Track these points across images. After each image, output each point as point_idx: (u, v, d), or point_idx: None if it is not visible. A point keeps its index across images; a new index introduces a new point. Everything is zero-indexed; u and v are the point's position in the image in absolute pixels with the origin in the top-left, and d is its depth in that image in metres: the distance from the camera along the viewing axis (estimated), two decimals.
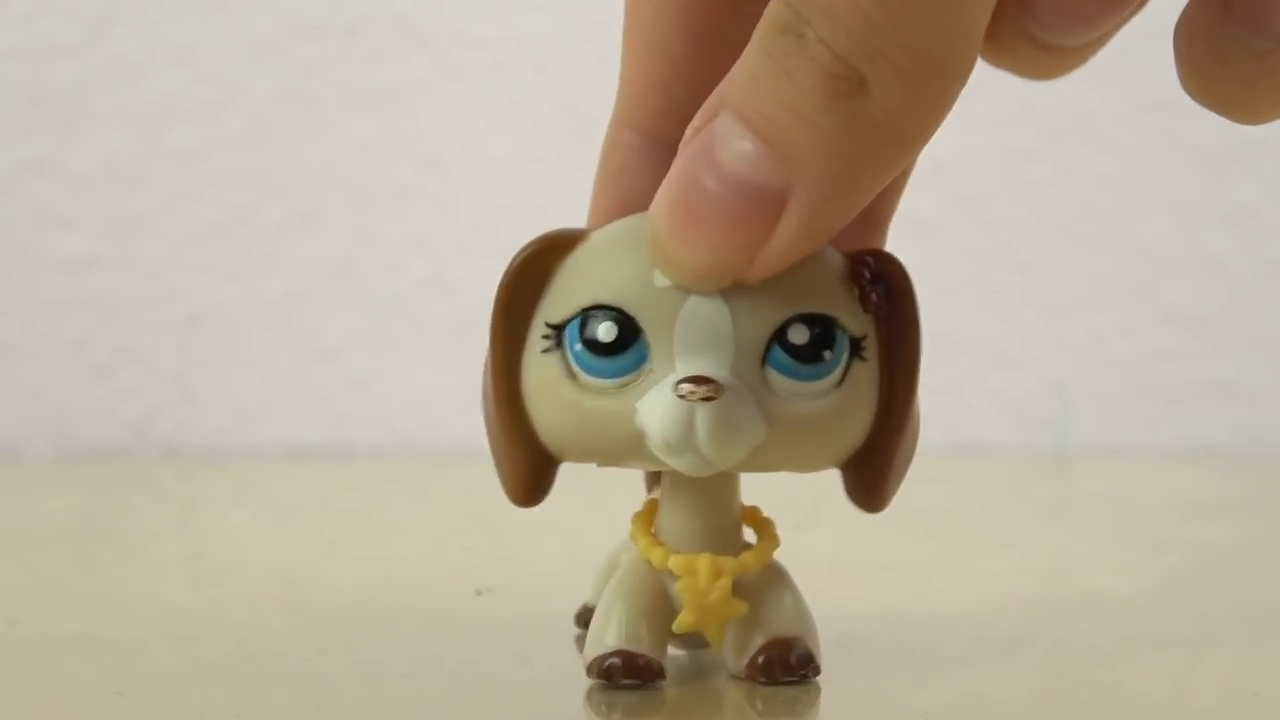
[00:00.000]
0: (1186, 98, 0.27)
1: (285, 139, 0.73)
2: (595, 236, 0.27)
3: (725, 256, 0.25)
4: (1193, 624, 0.35)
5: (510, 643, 0.32)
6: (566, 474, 0.29)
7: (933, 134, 0.24)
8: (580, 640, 0.31)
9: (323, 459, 0.71)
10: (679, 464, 0.25)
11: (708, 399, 0.24)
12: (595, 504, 0.29)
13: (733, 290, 0.25)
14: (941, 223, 0.73)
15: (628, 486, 0.31)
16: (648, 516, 0.28)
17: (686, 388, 0.25)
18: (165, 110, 0.72)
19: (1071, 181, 0.74)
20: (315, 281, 0.73)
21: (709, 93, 0.25)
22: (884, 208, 0.31)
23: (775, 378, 0.26)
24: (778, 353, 0.26)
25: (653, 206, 0.25)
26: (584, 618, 0.32)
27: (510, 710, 0.27)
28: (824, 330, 0.26)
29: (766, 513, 0.29)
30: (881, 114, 0.23)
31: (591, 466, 0.27)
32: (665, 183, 0.25)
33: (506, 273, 0.27)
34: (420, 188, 0.73)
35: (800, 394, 0.26)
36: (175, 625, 0.35)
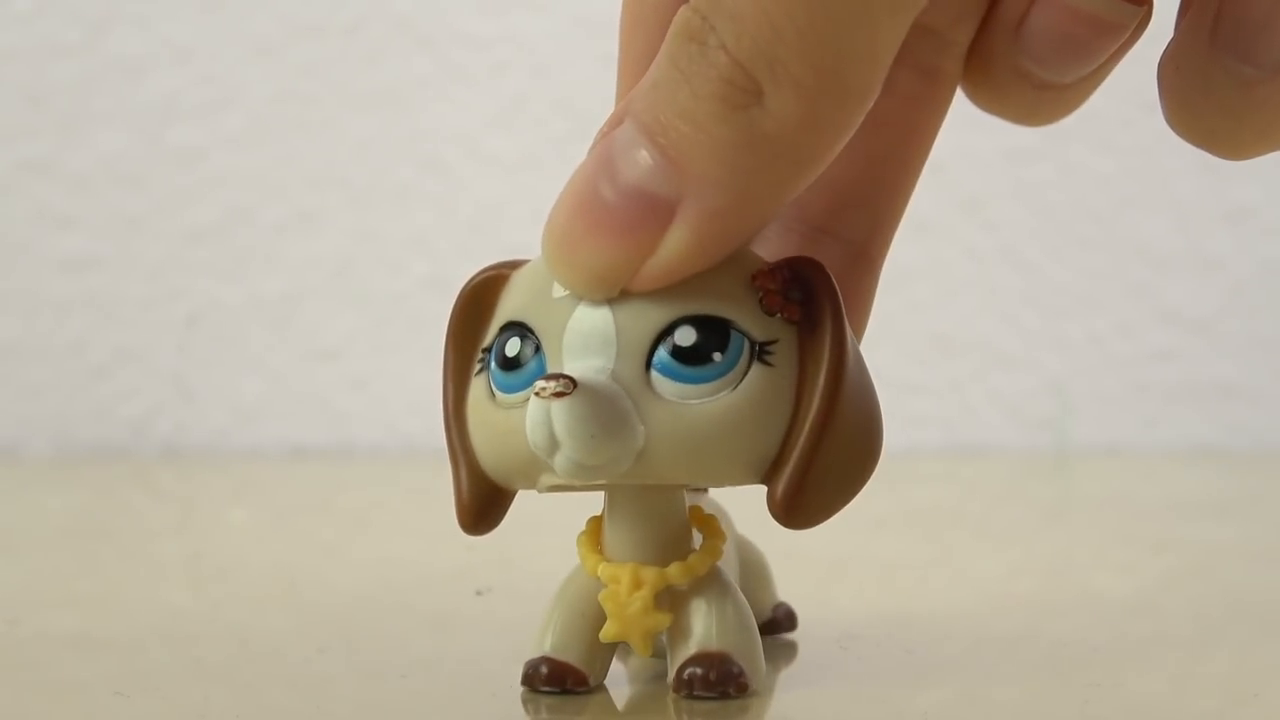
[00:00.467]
0: None
1: (285, 139, 0.73)
2: (526, 265, 0.27)
3: (612, 264, 0.24)
4: (1193, 624, 0.35)
5: (510, 643, 0.32)
6: None
7: (831, 155, 0.23)
8: (522, 655, 0.31)
9: (323, 459, 0.71)
10: (557, 468, 0.25)
11: (559, 394, 0.24)
12: (596, 504, 0.29)
13: (620, 297, 0.25)
14: (941, 223, 0.73)
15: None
16: (597, 526, 0.28)
17: (539, 384, 0.24)
18: (165, 110, 0.72)
19: (1071, 182, 0.74)
20: (315, 281, 0.73)
21: None
22: (876, 246, 0.30)
23: (660, 380, 0.25)
24: (662, 355, 0.25)
25: (551, 210, 0.25)
26: None
27: (510, 711, 0.27)
28: (715, 332, 0.25)
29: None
30: (775, 128, 0.23)
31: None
32: (565, 189, 0.25)
33: (454, 305, 0.27)
34: (420, 188, 0.73)
35: (688, 397, 0.25)
36: (175, 625, 0.35)
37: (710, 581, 0.28)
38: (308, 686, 0.29)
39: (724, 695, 0.27)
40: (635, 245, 0.24)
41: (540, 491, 0.27)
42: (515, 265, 0.28)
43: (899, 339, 0.72)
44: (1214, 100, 0.25)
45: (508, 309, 0.27)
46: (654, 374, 0.25)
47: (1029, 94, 0.27)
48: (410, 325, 0.73)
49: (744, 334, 0.25)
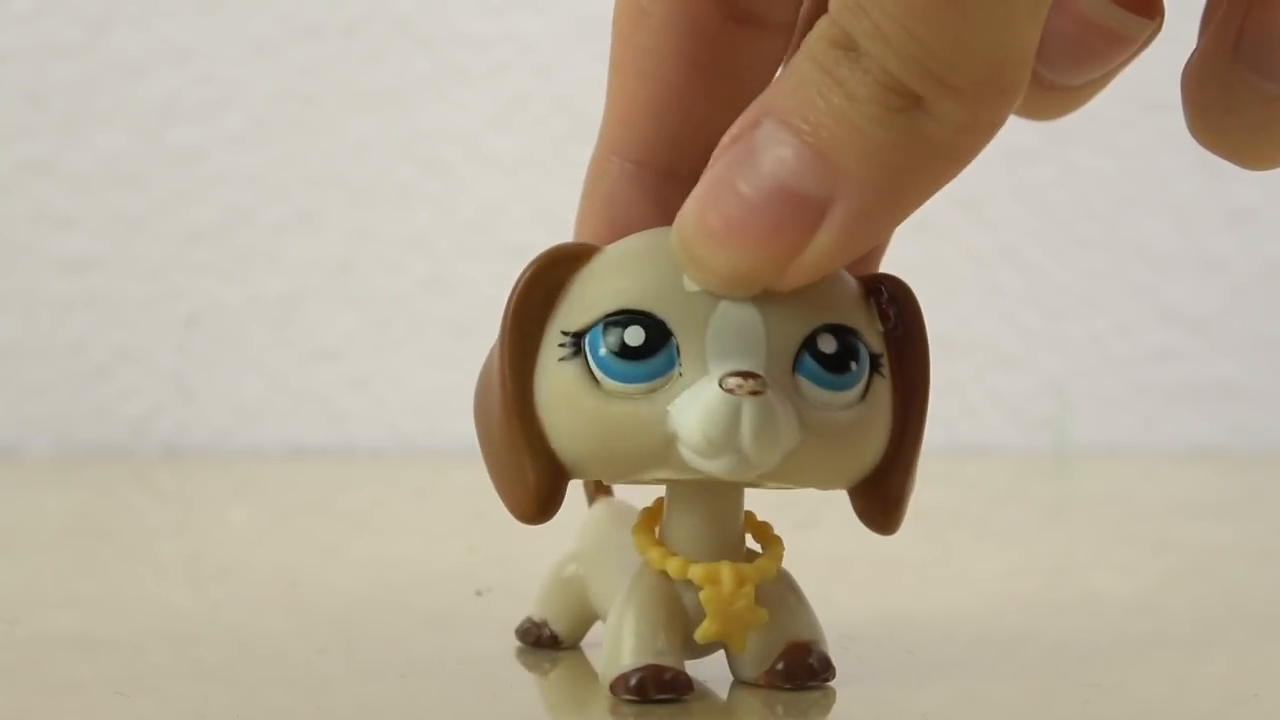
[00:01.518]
0: None
1: (285, 139, 0.73)
2: (613, 249, 0.27)
3: (759, 262, 0.24)
4: (1193, 624, 0.35)
5: (510, 643, 0.32)
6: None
7: (980, 152, 0.24)
8: (523, 655, 0.31)
9: (323, 459, 0.71)
10: (715, 466, 0.25)
11: (755, 393, 0.24)
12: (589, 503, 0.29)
13: (763, 297, 0.25)
14: (941, 223, 0.73)
15: (627, 486, 0.31)
16: (649, 527, 0.28)
17: (734, 381, 0.24)
18: (165, 110, 0.72)
19: (1072, 182, 0.74)
20: (315, 281, 0.73)
21: (702, 120, 0.25)
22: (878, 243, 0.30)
23: (806, 385, 0.26)
24: (808, 360, 0.26)
25: (683, 210, 0.25)
26: (531, 634, 0.31)
27: (510, 711, 0.27)
28: (850, 342, 0.26)
29: (766, 512, 0.29)
30: (937, 130, 0.23)
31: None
32: (698, 187, 0.25)
33: (519, 282, 0.26)
34: (420, 188, 0.73)
35: (829, 404, 0.26)
36: (175, 625, 0.35)
37: (779, 577, 0.28)
38: (308, 686, 0.29)
39: (824, 682, 0.28)
40: (784, 245, 0.24)
41: (615, 483, 0.27)
42: (589, 249, 0.27)
43: None
44: (1235, 115, 0.26)
45: (612, 293, 0.26)
46: (799, 378, 0.26)
47: (1037, 93, 0.27)
48: (410, 325, 0.73)
49: (866, 345, 0.26)
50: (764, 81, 0.27)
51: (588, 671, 0.30)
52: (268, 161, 0.73)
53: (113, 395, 0.72)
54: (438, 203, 0.73)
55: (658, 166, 0.28)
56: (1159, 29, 0.26)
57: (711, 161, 0.25)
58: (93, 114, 0.72)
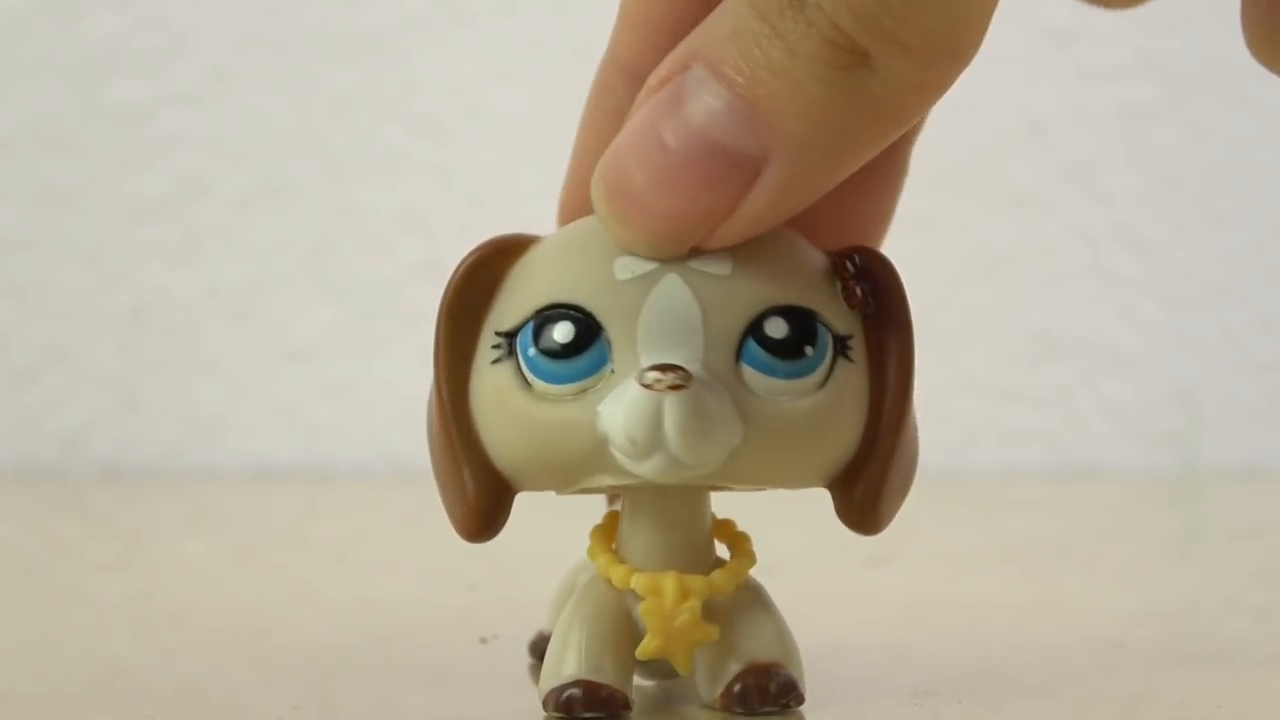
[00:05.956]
0: None
1: (249, 94, 0.73)
2: (548, 239, 0.29)
3: (684, 222, 0.26)
4: None
5: (520, 699, 0.32)
6: (581, 502, 0.29)
7: (927, 113, 0.26)
8: (535, 671, 0.32)
9: (294, 481, 0.72)
10: (646, 468, 0.26)
11: (676, 387, 0.26)
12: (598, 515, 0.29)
13: (703, 281, 0.27)
14: (1042, 195, 0.73)
15: None
16: (608, 531, 0.29)
17: (653, 376, 0.26)
18: (105, 61, 0.73)
19: (1200, 145, 0.74)
20: (285, 267, 0.73)
21: None
22: (886, 203, 0.32)
23: (751, 375, 0.27)
24: (753, 347, 0.27)
25: (604, 159, 0.27)
26: (539, 647, 0.33)
27: None
28: (804, 325, 0.27)
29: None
30: (882, 90, 0.25)
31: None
32: (620, 135, 0.27)
33: (451, 280, 0.28)
34: (411, 153, 0.73)
35: (780, 393, 0.27)
36: (118, 681, 0.35)
37: (745, 590, 0.29)
38: None
39: (784, 708, 0.28)
40: (713, 203, 0.26)
41: (562, 493, 0.28)
42: (525, 240, 0.29)
43: (993, 337, 0.72)
44: None
45: (542, 288, 0.28)
46: (744, 367, 0.27)
47: None
48: (399, 320, 0.73)
49: (827, 327, 0.27)
50: None
51: None
52: (227, 122, 0.73)
53: (41, 404, 0.73)
54: (433, 171, 0.73)
55: None
56: None
57: (636, 105, 0.27)
58: (17, 65, 0.73)
